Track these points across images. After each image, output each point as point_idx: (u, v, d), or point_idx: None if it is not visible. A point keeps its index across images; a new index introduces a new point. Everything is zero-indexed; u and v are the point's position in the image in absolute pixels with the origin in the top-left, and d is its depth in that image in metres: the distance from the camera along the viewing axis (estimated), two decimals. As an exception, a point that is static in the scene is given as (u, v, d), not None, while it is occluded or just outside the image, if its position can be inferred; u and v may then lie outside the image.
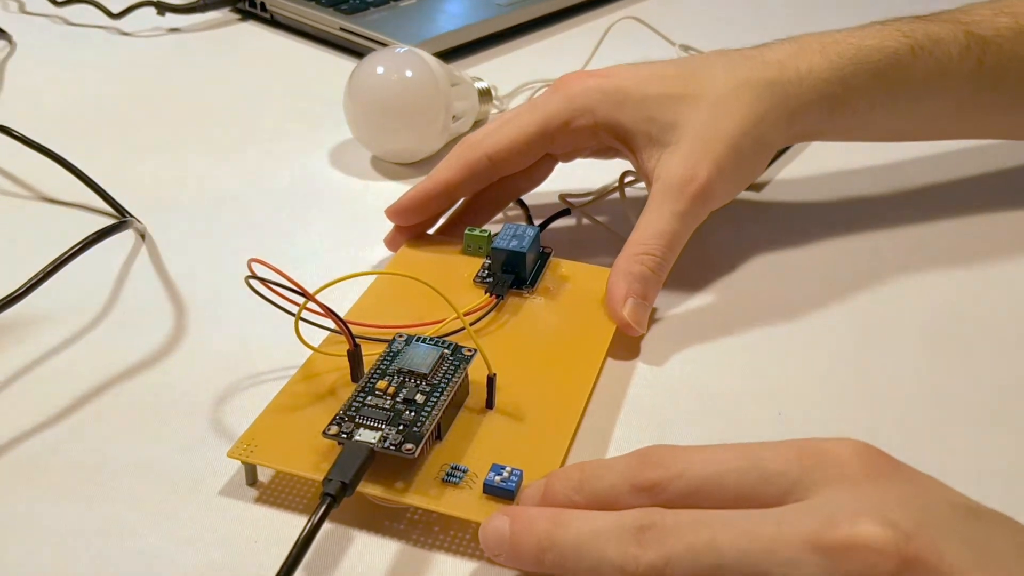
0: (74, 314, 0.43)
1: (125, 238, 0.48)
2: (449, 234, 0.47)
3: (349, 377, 0.37)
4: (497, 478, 0.32)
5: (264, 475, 0.35)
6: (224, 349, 0.41)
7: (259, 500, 0.34)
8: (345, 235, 0.49)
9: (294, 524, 0.32)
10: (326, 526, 0.33)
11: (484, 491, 0.32)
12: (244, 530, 0.33)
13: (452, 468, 0.33)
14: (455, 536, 0.32)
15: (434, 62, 0.55)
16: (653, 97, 0.43)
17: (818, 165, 0.56)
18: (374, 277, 0.44)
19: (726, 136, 0.42)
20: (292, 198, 0.53)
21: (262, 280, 0.34)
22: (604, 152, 0.48)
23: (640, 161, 0.43)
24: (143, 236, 0.48)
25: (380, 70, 0.54)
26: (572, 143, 0.45)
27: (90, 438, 0.36)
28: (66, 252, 0.41)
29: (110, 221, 0.47)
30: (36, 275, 0.39)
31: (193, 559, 0.31)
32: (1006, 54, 0.45)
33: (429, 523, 0.33)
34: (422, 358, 0.35)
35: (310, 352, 0.38)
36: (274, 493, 0.34)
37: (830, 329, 0.43)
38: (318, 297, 0.35)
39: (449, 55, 0.69)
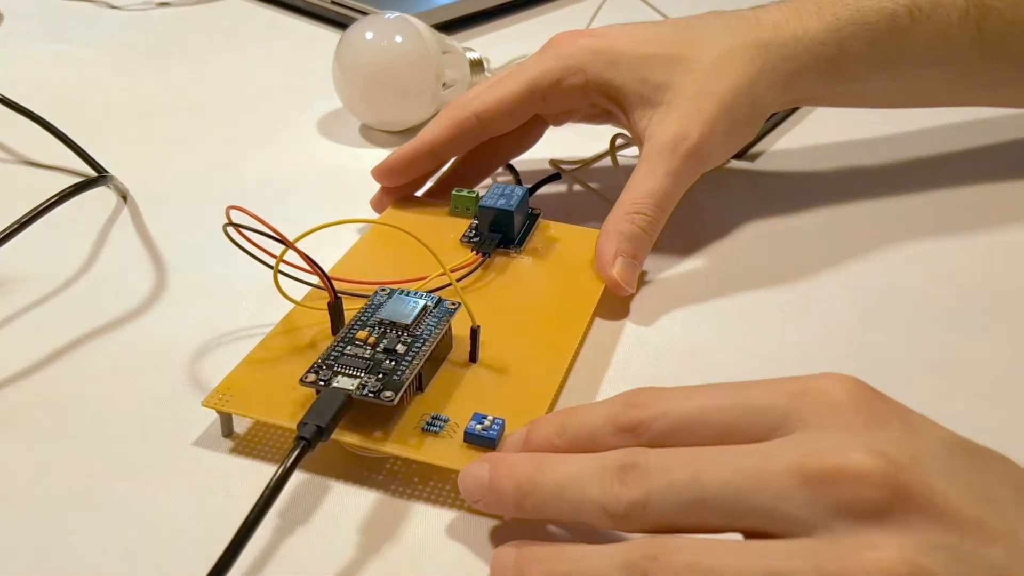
0: (53, 270, 0.42)
1: (107, 199, 0.47)
2: (438, 197, 0.46)
3: (330, 331, 0.36)
4: (478, 426, 0.31)
5: (240, 427, 0.34)
6: (204, 307, 0.40)
7: (234, 451, 0.33)
8: (333, 202, 0.48)
9: (269, 474, 0.31)
10: (304, 476, 0.32)
11: (465, 440, 0.31)
12: (218, 479, 0.32)
13: (433, 418, 0.32)
14: (435, 487, 0.31)
15: (425, 29, 0.54)
16: (646, 58, 0.42)
17: (813, 136, 0.56)
18: (358, 239, 0.43)
19: (719, 97, 0.41)
20: (280, 166, 0.52)
21: (238, 227, 0.33)
22: (596, 117, 0.47)
23: (632, 121, 0.43)
24: (125, 197, 0.47)
25: (369, 35, 0.53)
26: (563, 103, 0.44)
27: (63, 390, 0.35)
28: (43, 203, 0.40)
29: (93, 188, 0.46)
30: (11, 225, 0.38)
31: (164, 507, 0.31)
32: (1006, 19, 0.45)
33: (409, 474, 0.32)
34: (404, 309, 0.34)
35: (291, 310, 0.37)
36: (250, 444, 0.33)
37: (823, 294, 0.42)
38: (298, 246, 0.34)
39: (442, 29, 0.68)
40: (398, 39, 0.53)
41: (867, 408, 0.25)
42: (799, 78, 0.43)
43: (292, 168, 0.52)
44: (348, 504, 0.31)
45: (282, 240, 0.33)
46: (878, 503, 0.22)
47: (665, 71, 0.42)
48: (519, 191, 0.42)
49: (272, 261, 0.35)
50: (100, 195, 0.47)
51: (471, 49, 0.59)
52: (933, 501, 0.22)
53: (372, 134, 0.55)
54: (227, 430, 0.33)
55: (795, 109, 0.58)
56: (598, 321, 0.40)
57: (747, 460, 0.24)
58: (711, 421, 0.26)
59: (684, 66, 0.42)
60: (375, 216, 0.46)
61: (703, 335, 0.39)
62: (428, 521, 0.30)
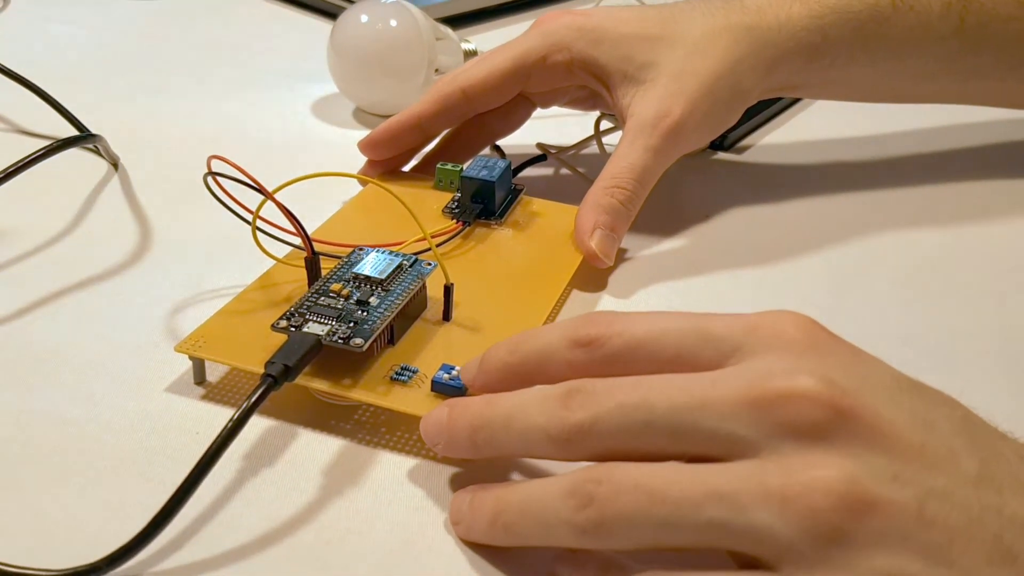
0: (41, 227, 0.43)
1: (98, 166, 0.48)
2: (424, 173, 0.47)
3: (306, 287, 0.36)
4: (445, 376, 0.31)
5: (213, 376, 0.34)
6: (187, 266, 0.41)
7: (205, 398, 0.33)
8: (324, 182, 0.49)
9: (238, 418, 0.32)
10: (272, 422, 0.32)
11: (432, 389, 0.31)
12: (187, 423, 0.32)
13: (402, 368, 0.32)
14: (401, 436, 0.32)
15: (420, 15, 0.55)
16: (630, 36, 0.43)
17: (800, 133, 0.56)
18: (341, 207, 0.43)
19: (702, 76, 0.42)
20: (273, 146, 0.52)
21: (216, 176, 0.34)
22: (583, 101, 0.48)
23: (615, 98, 0.43)
24: (116, 165, 0.48)
25: (364, 18, 0.54)
26: (548, 81, 0.44)
27: (40, 336, 0.36)
28: (28, 156, 0.40)
29: (83, 153, 0.46)
30: (-4, 174, 0.39)
31: (130, 446, 0.31)
32: (987, 12, 0.45)
33: (376, 424, 0.32)
34: (380, 266, 0.35)
35: (270, 267, 0.37)
36: (221, 392, 0.33)
37: (800, 276, 0.42)
38: (277, 198, 0.34)
39: (444, 23, 0.69)
40: (392, 23, 0.53)
41: (817, 340, 0.25)
42: (781, 63, 0.44)
43: (285, 147, 0.52)
44: (314, 449, 0.31)
45: (260, 190, 0.34)
46: (821, 425, 0.23)
47: (649, 50, 0.42)
48: (502, 164, 0.42)
49: (250, 217, 0.35)
50: (92, 162, 0.48)
51: (467, 40, 0.60)
52: (876, 425, 0.23)
53: (365, 117, 0.56)
54: (199, 377, 0.34)
55: (785, 103, 0.58)
56: (575, 292, 0.40)
57: (696, 385, 0.24)
58: (665, 343, 0.26)
59: (667, 45, 0.42)
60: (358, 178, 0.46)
61: (678, 307, 0.40)
62: (391, 467, 0.31)
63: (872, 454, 0.22)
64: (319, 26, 0.71)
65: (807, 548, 0.22)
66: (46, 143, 0.43)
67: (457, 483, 0.30)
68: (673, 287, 0.41)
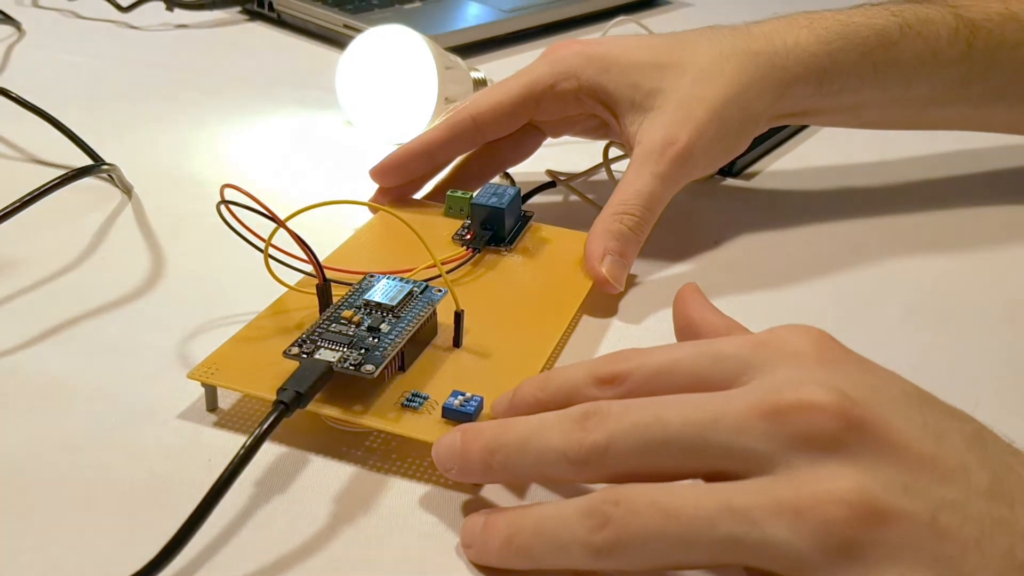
0: (54, 256, 0.43)
1: (112, 195, 0.48)
2: (434, 201, 0.47)
3: (318, 314, 0.36)
4: (456, 402, 0.31)
5: (225, 403, 0.34)
6: (199, 294, 0.41)
7: (217, 425, 0.33)
8: (335, 210, 0.49)
9: (250, 445, 0.32)
10: (284, 449, 0.32)
11: (443, 415, 0.31)
12: (199, 450, 0.32)
13: (413, 395, 0.32)
14: (412, 462, 0.32)
15: (429, 44, 0.55)
16: (638, 64, 0.43)
17: (808, 159, 0.56)
18: (351, 235, 0.44)
19: (709, 102, 0.42)
20: (284, 174, 0.53)
21: (229, 205, 0.34)
22: (592, 131, 0.48)
23: (623, 126, 0.43)
24: (129, 193, 0.49)
25: (374, 48, 0.54)
26: (557, 109, 0.45)
27: (53, 364, 0.36)
28: (43, 185, 0.41)
29: (96, 182, 0.47)
30: (11, 204, 0.39)
31: (144, 474, 0.31)
32: (995, 39, 0.46)
33: (388, 450, 0.32)
34: (391, 292, 0.35)
35: (282, 294, 0.37)
36: (233, 419, 0.34)
37: (810, 302, 0.42)
38: (288, 226, 0.34)
39: (454, 53, 0.69)
40: (402, 52, 0.54)
41: (827, 353, 0.25)
42: (790, 88, 0.44)
43: (296, 175, 0.53)
44: (325, 476, 0.31)
45: (273, 218, 0.34)
46: (833, 435, 0.23)
47: (656, 77, 0.43)
48: (511, 191, 0.43)
49: (263, 245, 0.35)
50: (106, 191, 0.48)
51: (476, 69, 0.60)
52: (888, 437, 0.23)
53: (376, 145, 0.56)
54: (211, 404, 0.34)
55: (792, 129, 0.58)
56: (586, 318, 0.40)
57: (710, 402, 0.25)
58: (681, 370, 0.27)
59: (675, 72, 0.43)
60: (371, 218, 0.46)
61: (689, 334, 0.40)
62: (402, 493, 0.31)
63: (883, 465, 0.22)
64: (329, 55, 0.71)
65: (821, 561, 0.22)
66: (61, 172, 0.43)
67: (468, 509, 0.30)
68: (683, 313, 0.41)
